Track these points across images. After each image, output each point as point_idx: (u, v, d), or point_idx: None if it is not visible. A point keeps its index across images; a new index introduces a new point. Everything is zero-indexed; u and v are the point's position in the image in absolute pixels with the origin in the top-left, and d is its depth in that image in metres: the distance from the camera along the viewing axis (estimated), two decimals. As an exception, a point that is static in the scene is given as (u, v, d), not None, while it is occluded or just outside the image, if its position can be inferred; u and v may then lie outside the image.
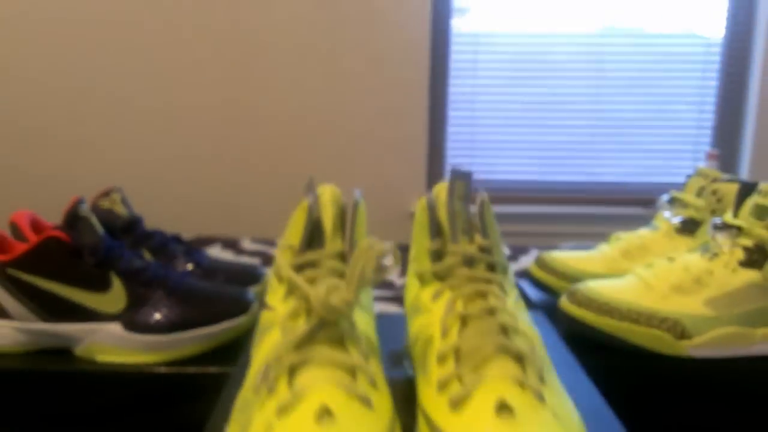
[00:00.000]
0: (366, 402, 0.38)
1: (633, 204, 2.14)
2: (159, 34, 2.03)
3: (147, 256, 0.73)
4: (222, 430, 0.42)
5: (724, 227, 0.66)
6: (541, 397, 0.38)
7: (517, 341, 0.42)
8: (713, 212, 0.75)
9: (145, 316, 0.62)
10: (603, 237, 0.84)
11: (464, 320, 0.43)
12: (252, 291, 0.73)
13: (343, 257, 0.46)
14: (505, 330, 0.42)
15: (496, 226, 0.51)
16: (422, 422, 0.41)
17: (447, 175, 0.55)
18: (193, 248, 0.78)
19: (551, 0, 2.12)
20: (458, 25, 2.14)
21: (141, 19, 2.02)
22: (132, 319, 0.62)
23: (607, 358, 0.63)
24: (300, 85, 2.07)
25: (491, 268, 0.48)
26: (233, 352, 0.61)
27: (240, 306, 0.65)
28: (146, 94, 2.07)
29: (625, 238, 0.80)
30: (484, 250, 0.48)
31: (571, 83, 2.18)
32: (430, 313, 0.46)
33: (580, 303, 0.65)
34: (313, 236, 0.47)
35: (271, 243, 1.36)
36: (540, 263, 0.81)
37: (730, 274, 0.64)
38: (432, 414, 0.40)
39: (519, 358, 0.41)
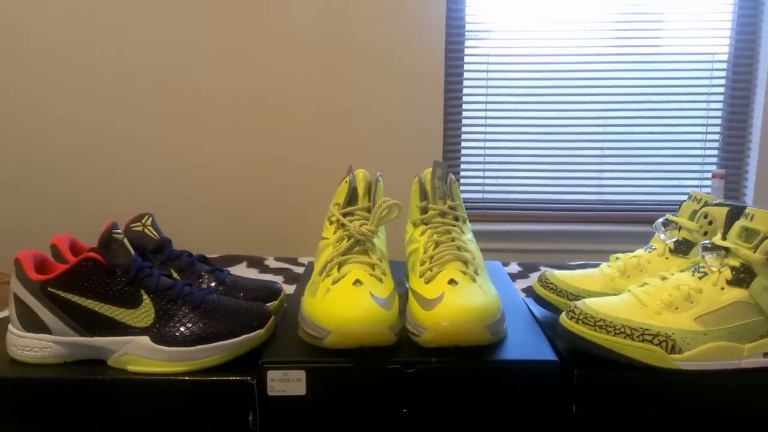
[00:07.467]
0: (380, 280, 0.72)
1: (640, 222, 2.16)
2: (187, 59, 2.10)
3: (175, 274, 0.78)
4: (300, 299, 0.74)
5: (714, 248, 0.70)
6: (474, 280, 0.72)
7: (464, 255, 0.75)
8: (705, 234, 0.79)
9: (172, 330, 0.67)
10: (611, 254, 0.88)
11: (436, 244, 0.77)
12: (270, 306, 0.78)
13: (368, 210, 0.79)
14: (458, 248, 0.76)
15: (460, 195, 0.83)
16: (410, 295, 0.73)
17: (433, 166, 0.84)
18: (217, 267, 0.83)
19: (559, 23, 2.17)
20: (470, 48, 2.20)
21: (172, 48, 2.09)
22: (160, 333, 0.67)
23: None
24: (321, 114, 2.13)
25: (456, 218, 0.81)
26: (252, 363, 0.66)
27: (259, 320, 0.69)
28: (177, 123, 2.14)
29: (623, 258, 0.84)
30: (451, 208, 0.81)
31: (580, 105, 2.22)
32: (418, 242, 0.79)
33: (579, 319, 0.69)
34: (351, 197, 0.80)
35: (294, 261, 1.41)
36: (542, 282, 0.85)
37: (718, 292, 0.68)
38: (415, 288, 0.73)
39: (464, 263, 0.74)
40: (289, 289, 0.95)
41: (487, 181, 2.28)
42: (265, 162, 2.16)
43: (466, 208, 0.85)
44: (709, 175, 2.18)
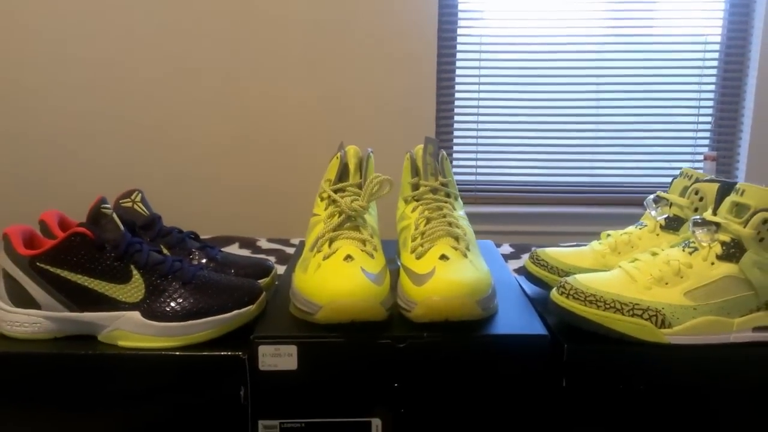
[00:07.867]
0: (371, 255, 0.71)
1: (632, 204, 2.17)
2: (178, 37, 2.09)
3: (165, 251, 0.77)
4: (291, 275, 0.74)
5: (704, 224, 0.70)
6: (465, 255, 0.71)
7: (456, 231, 0.74)
8: (696, 210, 0.79)
9: (163, 305, 0.66)
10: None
11: (428, 220, 0.76)
12: (261, 283, 0.77)
13: (359, 186, 0.78)
14: (450, 224, 0.75)
15: (451, 171, 0.83)
16: (402, 271, 0.72)
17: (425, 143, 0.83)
18: (208, 244, 0.83)
19: (553, 5, 2.16)
20: (463, 29, 2.19)
21: (163, 24, 2.08)
22: (150, 308, 0.66)
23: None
24: (314, 95, 2.12)
25: (447, 195, 0.80)
26: (243, 338, 0.66)
27: (250, 296, 0.69)
28: (169, 102, 2.13)
29: (614, 235, 0.84)
30: (443, 184, 0.80)
31: (572, 87, 2.22)
32: (409, 218, 0.79)
33: (569, 294, 0.69)
34: (342, 174, 0.79)
35: (286, 242, 1.41)
36: (534, 259, 0.85)
37: (708, 267, 0.68)
38: (406, 263, 0.72)
39: (456, 239, 0.73)
40: (281, 270, 0.95)
41: (479, 163, 2.28)
42: (257, 143, 2.15)
43: (459, 191, 0.84)
44: (701, 157, 2.19)
